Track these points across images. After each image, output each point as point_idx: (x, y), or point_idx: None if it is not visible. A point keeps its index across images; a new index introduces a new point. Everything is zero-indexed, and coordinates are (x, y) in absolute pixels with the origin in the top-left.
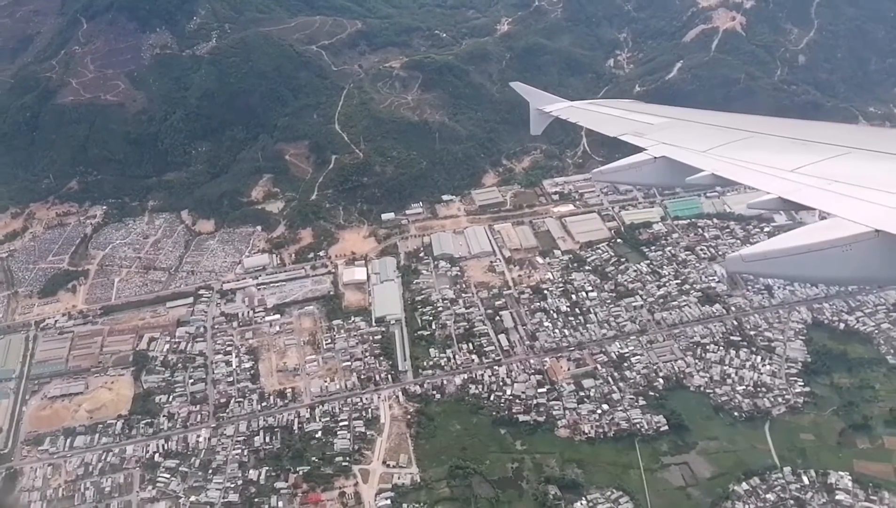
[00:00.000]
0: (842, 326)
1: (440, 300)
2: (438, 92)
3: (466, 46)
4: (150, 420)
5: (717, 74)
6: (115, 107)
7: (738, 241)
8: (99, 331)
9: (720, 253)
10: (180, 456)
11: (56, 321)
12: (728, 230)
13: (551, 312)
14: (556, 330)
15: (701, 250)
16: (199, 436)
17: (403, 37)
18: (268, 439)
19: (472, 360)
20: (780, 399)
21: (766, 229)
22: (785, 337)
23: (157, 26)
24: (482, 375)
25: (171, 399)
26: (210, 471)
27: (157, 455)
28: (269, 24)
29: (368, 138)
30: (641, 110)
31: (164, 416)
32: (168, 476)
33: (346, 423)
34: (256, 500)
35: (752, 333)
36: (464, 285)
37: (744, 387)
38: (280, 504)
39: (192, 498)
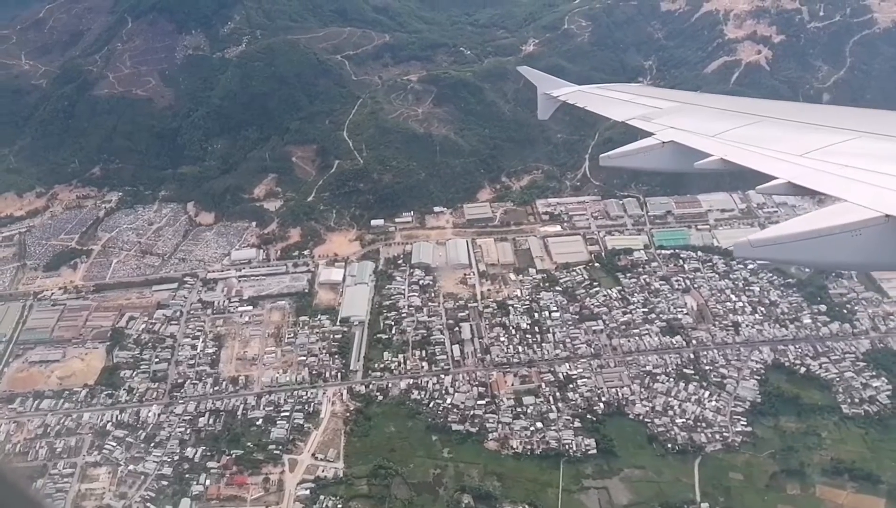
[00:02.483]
0: (802, 370)
1: (406, 307)
2: (450, 107)
3: (487, 65)
4: (111, 392)
5: None
6: (144, 101)
7: (717, 275)
8: (87, 306)
9: (696, 285)
10: (130, 428)
11: (52, 294)
12: (710, 264)
13: (511, 328)
14: (511, 346)
15: (677, 281)
16: (150, 411)
17: (428, 52)
18: (211, 421)
19: (422, 367)
20: (717, 436)
21: (751, 266)
22: (739, 375)
23: (192, 28)
24: (427, 382)
25: (134, 375)
26: (152, 444)
27: (109, 424)
28: (298, 32)
29: (371, 146)
30: (650, 95)
31: (124, 389)
32: (114, 444)
33: (287, 414)
34: (187, 476)
35: (706, 367)
36: (433, 295)
37: (683, 420)
38: (208, 482)
39: (130, 467)
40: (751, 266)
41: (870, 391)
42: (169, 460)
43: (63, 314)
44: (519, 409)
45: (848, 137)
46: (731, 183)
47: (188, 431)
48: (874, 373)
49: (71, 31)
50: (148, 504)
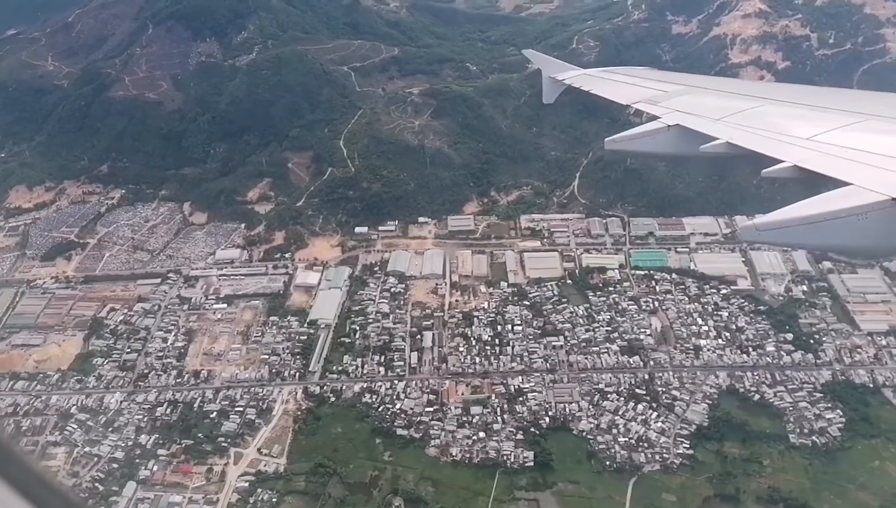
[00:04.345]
0: (756, 397)
1: (374, 313)
2: (447, 120)
3: (491, 80)
4: (80, 378)
5: None
6: (155, 104)
7: (687, 298)
8: (73, 296)
9: (664, 307)
10: (92, 412)
11: (44, 283)
12: (682, 287)
13: (472, 338)
14: (469, 356)
15: (645, 301)
16: (113, 398)
17: (434, 66)
18: (169, 411)
19: (379, 372)
20: (657, 457)
21: (724, 291)
22: (691, 398)
23: (207, 36)
24: (381, 386)
25: (105, 363)
26: (110, 429)
27: (74, 407)
28: (308, 43)
29: (364, 156)
30: (656, 78)
31: (93, 376)
32: (75, 426)
33: (241, 409)
34: (137, 461)
35: (659, 389)
36: (402, 302)
37: (626, 439)
38: (155, 468)
39: (87, 449)
40: (725, 291)
41: (821, 423)
42: (123, 445)
43: (50, 302)
44: (465, 418)
45: (855, 120)
46: (718, 207)
47: (145, 419)
48: (830, 405)
49: (96, 35)
50: (96, 484)
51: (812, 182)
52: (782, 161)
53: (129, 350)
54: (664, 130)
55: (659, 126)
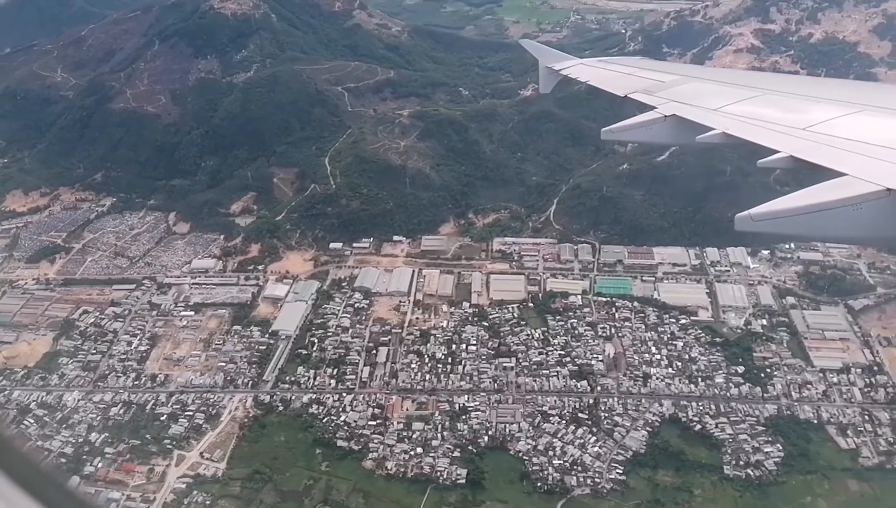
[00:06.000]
0: (698, 427)
1: (335, 327)
2: (432, 142)
3: (481, 105)
4: (44, 375)
5: (704, 163)
6: (152, 117)
7: (645, 326)
8: (50, 297)
9: (620, 334)
10: (50, 409)
11: (25, 283)
12: (642, 315)
13: (425, 356)
14: (420, 373)
15: (603, 328)
16: (72, 396)
17: (428, 90)
18: (122, 411)
19: (329, 384)
20: (588, 481)
21: (682, 321)
22: (632, 425)
23: (208, 54)
24: (329, 398)
25: (69, 363)
26: (64, 426)
27: (34, 403)
28: (305, 63)
29: (346, 174)
30: (653, 68)
31: (57, 374)
32: (32, 421)
33: (190, 413)
34: (84, 457)
35: (602, 414)
36: (363, 317)
37: (560, 462)
38: (100, 465)
39: (38, 443)
40: (684, 321)
41: (759, 456)
42: (73, 441)
43: (28, 303)
44: (405, 433)
45: (851, 111)
46: (690, 239)
47: (99, 418)
48: (770, 439)
49: (105, 49)
50: None
51: (808, 172)
52: (778, 151)
53: (94, 352)
54: (660, 120)
55: (655, 116)
